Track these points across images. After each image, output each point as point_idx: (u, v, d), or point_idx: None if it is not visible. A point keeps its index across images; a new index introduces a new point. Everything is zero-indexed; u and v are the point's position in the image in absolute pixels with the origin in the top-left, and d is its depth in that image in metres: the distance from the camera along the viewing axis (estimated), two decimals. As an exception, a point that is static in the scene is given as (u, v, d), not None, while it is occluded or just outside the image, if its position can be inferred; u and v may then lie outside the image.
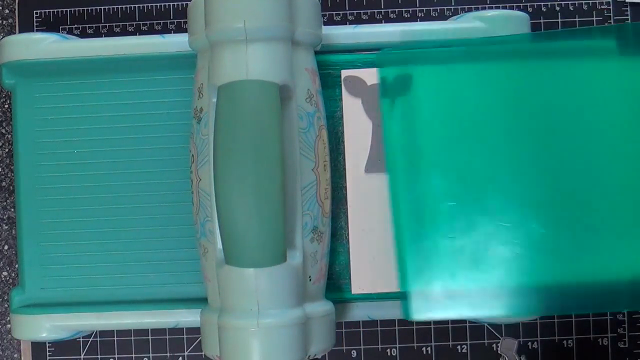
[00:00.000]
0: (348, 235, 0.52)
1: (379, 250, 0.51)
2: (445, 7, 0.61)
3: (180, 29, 0.61)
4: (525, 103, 0.51)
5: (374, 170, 0.51)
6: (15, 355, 0.61)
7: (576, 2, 0.61)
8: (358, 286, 0.51)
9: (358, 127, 0.51)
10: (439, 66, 0.51)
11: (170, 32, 0.61)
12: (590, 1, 0.61)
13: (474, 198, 0.50)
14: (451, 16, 0.60)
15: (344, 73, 0.51)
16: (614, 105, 0.51)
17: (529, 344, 0.61)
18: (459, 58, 0.51)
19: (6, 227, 0.62)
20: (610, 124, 0.51)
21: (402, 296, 0.51)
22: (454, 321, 0.61)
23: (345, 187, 0.51)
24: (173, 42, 0.53)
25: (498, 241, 0.50)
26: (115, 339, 0.60)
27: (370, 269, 0.51)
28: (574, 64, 0.51)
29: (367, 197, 0.51)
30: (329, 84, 0.52)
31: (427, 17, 0.61)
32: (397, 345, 0.61)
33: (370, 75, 0.51)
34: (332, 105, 0.52)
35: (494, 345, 0.61)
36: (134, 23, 0.61)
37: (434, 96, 0.51)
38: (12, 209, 0.62)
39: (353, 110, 0.51)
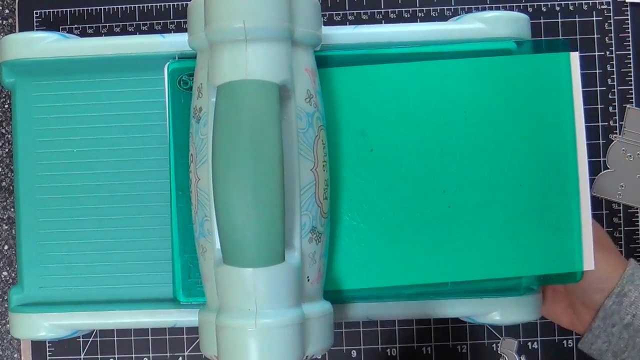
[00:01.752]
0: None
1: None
2: (445, 7, 0.61)
3: (180, 28, 0.61)
4: (422, 102, 0.51)
5: None
6: (15, 355, 0.61)
7: (576, 2, 0.61)
8: None
9: None
10: (355, 67, 0.51)
11: (170, 32, 0.61)
12: (590, 1, 0.61)
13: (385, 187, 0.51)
14: (451, 16, 0.60)
15: None
16: (505, 105, 0.51)
17: (529, 344, 0.61)
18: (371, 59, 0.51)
19: (6, 227, 0.62)
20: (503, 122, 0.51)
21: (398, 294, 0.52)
22: (454, 321, 0.61)
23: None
24: (173, 42, 0.53)
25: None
26: (115, 338, 0.60)
27: None
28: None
29: None
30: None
31: (427, 17, 0.61)
32: (397, 345, 0.61)
33: None
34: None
35: (494, 345, 0.61)
36: (134, 23, 0.61)
37: (348, 94, 0.51)
38: (12, 209, 0.62)
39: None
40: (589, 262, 0.50)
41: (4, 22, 0.63)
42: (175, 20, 0.61)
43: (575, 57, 0.50)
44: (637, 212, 0.62)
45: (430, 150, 0.50)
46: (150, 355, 0.60)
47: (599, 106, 0.62)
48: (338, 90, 0.51)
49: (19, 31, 0.61)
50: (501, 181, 0.50)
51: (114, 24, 0.61)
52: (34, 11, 0.62)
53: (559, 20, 0.61)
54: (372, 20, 0.61)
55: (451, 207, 0.50)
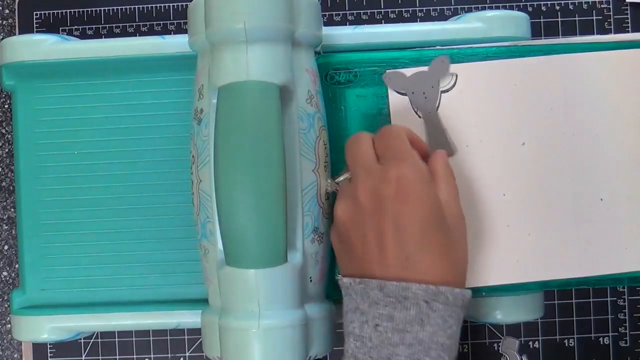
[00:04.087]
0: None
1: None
2: (445, 7, 0.61)
3: (181, 29, 0.61)
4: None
5: None
6: (16, 356, 0.61)
7: (576, 1, 0.61)
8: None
9: (407, 124, 0.51)
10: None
11: (170, 33, 0.61)
12: (590, 0, 0.61)
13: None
14: (451, 16, 0.60)
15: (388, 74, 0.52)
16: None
17: (531, 343, 0.61)
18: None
19: (6, 227, 0.62)
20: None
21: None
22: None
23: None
24: (173, 43, 0.53)
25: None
26: (117, 340, 0.60)
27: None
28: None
29: None
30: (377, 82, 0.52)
31: (427, 17, 0.61)
32: (398, 345, 0.61)
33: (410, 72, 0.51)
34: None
35: (495, 345, 0.61)
36: (134, 24, 0.61)
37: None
38: (12, 209, 0.62)
39: (400, 107, 0.51)
40: None
41: (4, 22, 0.63)
42: (175, 21, 0.61)
43: None
44: None
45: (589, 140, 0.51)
46: (152, 356, 0.60)
47: (599, 105, 0.62)
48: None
49: (19, 32, 0.61)
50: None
51: (113, 25, 0.61)
52: (34, 12, 0.61)
53: (559, 19, 0.61)
54: (372, 20, 0.61)
55: (603, 200, 0.51)
